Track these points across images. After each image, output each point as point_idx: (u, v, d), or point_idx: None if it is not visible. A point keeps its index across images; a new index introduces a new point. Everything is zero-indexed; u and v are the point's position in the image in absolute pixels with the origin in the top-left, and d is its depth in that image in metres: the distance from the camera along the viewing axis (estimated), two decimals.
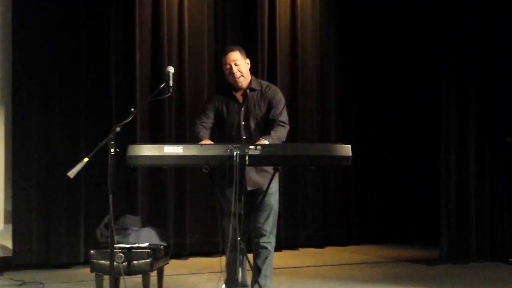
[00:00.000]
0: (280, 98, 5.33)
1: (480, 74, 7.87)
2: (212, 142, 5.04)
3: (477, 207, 7.83)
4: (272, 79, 8.15)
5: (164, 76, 4.93)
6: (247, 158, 4.51)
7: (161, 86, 4.90)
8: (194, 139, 5.19)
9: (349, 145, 4.66)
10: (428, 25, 8.84)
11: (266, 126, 5.23)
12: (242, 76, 5.26)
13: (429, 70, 9.17)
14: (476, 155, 7.86)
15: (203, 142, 4.97)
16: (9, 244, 7.25)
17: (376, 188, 9.51)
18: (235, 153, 4.51)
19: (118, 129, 4.54)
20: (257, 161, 4.63)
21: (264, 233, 5.26)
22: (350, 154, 4.64)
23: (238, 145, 4.57)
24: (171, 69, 4.91)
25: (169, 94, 4.95)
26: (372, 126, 9.46)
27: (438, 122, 8.07)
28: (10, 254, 7.23)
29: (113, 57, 7.66)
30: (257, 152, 4.55)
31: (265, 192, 5.15)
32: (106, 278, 4.98)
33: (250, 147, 4.56)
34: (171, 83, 4.87)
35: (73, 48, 7.47)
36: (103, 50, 7.62)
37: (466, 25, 7.84)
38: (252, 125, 5.24)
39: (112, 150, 4.49)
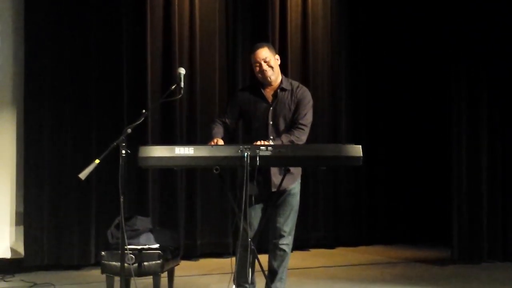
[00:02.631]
0: (308, 100, 5.24)
1: (491, 73, 7.85)
2: (223, 142, 5.04)
3: (488, 206, 7.81)
4: None
5: (175, 78, 4.92)
6: (258, 159, 4.51)
7: (172, 87, 4.89)
8: (208, 135, 5.20)
9: (360, 146, 4.65)
10: (438, 24, 8.83)
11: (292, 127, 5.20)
12: (273, 71, 5.19)
13: (439, 70, 9.14)
14: (487, 154, 7.83)
15: (213, 142, 4.97)
16: (20, 245, 7.27)
17: (386, 188, 9.49)
18: (245, 154, 4.50)
19: (129, 130, 4.55)
20: (268, 162, 4.62)
21: (283, 233, 5.23)
22: (361, 154, 4.63)
23: (249, 146, 4.57)
24: (182, 71, 4.89)
25: (180, 95, 4.91)
26: (382, 126, 9.45)
27: (448, 122, 8.06)
28: (21, 255, 7.25)
29: (124, 58, 7.67)
30: (268, 153, 4.54)
31: (287, 192, 5.15)
32: (117, 279, 4.99)
33: (261, 148, 4.55)
34: (182, 84, 4.85)
35: (84, 49, 7.48)
36: (115, 51, 7.63)
37: (477, 23, 7.81)
38: (281, 125, 5.17)
39: (123, 151, 4.51)
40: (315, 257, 8.44)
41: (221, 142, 5.02)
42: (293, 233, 5.33)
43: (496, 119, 7.87)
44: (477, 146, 7.84)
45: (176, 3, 7.99)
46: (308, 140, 5.25)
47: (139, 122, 4.66)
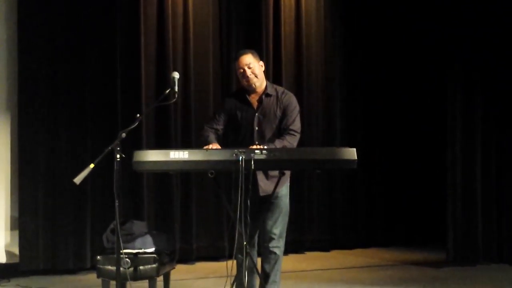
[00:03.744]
0: (294, 106, 5.26)
1: (486, 77, 7.86)
2: (219, 146, 5.04)
3: (483, 208, 7.82)
4: (277, 82, 8.14)
5: (169, 82, 4.93)
6: (252, 162, 4.51)
7: (167, 91, 4.89)
8: (201, 143, 5.19)
9: (355, 149, 4.65)
10: (433, 27, 8.83)
11: (280, 133, 5.20)
12: (256, 77, 5.20)
13: (435, 73, 9.16)
14: (482, 156, 7.85)
15: (209, 146, 4.97)
16: (15, 250, 7.27)
17: (382, 191, 9.49)
18: (240, 157, 4.50)
19: (124, 134, 4.55)
20: (263, 165, 4.63)
21: (273, 236, 5.24)
22: (356, 157, 4.63)
23: (244, 150, 4.57)
24: (176, 75, 4.90)
25: (174, 99, 4.92)
26: (378, 129, 9.45)
27: (443, 124, 8.07)
28: (17, 260, 7.24)
29: (118, 63, 7.67)
30: (262, 157, 4.54)
31: (275, 195, 5.15)
32: (113, 283, 4.99)
33: (256, 151, 4.55)
34: (176, 88, 4.85)
35: (78, 53, 7.49)
36: (109, 55, 7.63)
37: (472, 27, 7.83)
38: (267, 131, 5.19)
39: (118, 156, 4.51)
40: (311, 260, 8.44)
41: (217, 146, 5.03)
42: (284, 235, 5.32)
43: (491, 122, 7.88)
44: (471, 149, 7.86)
45: (170, 7, 7.99)
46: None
47: (133, 126, 4.66)
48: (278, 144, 5.04)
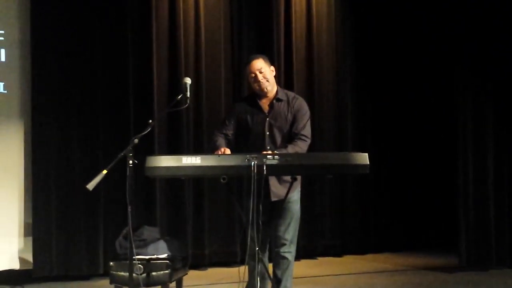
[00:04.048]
0: (305, 111, 5.27)
1: (496, 75, 7.84)
2: (230, 151, 5.05)
3: (496, 212, 7.79)
4: (289, 87, 8.15)
5: (181, 87, 4.94)
6: (265, 167, 4.51)
7: (178, 97, 4.91)
8: (211, 148, 5.21)
9: (367, 154, 4.64)
10: (444, 27, 8.82)
11: (290, 138, 5.22)
12: (268, 82, 5.22)
13: (445, 75, 9.14)
14: (494, 159, 7.82)
15: (222, 150, 4.98)
16: (29, 256, 7.29)
17: (393, 195, 9.48)
18: (253, 162, 4.50)
19: (136, 140, 4.56)
20: (275, 171, 4.63)
21: (285, 242, 5.23)
22: (368, 162, 4.62)
23: (256, 155, 4.57)
24: (188, 80, 4.91)
25: (186, 105, 4.94)
26: (389, 132, 9.45)
27: (455, 128, 8.06)
28: (30, 266, 7.27)
29: (130, 69, 7.70)
30: (275, 162, 4.54)
31: (286, 201, 5.16)
32: None
33: (268, 156, 4.55)
34: (188, 94, 4.87)
35: (90, 60, 7.53)
36: (121, 62, 7.66)
37: (483, 26, 7.82)
38: (278, 136, 5.20)
39: (131, 161, 4.51)
40: (323, 265, 8.43)
41: (228, 151, 5.03)
42: (295, 241, 5.32)
43: (502, 124, 7.85)
44: (483, 152, 7.83)
45: (181, 13, 8.01)
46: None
47: (145, 132, 4.67)
48: (290, 149, 5.05)
